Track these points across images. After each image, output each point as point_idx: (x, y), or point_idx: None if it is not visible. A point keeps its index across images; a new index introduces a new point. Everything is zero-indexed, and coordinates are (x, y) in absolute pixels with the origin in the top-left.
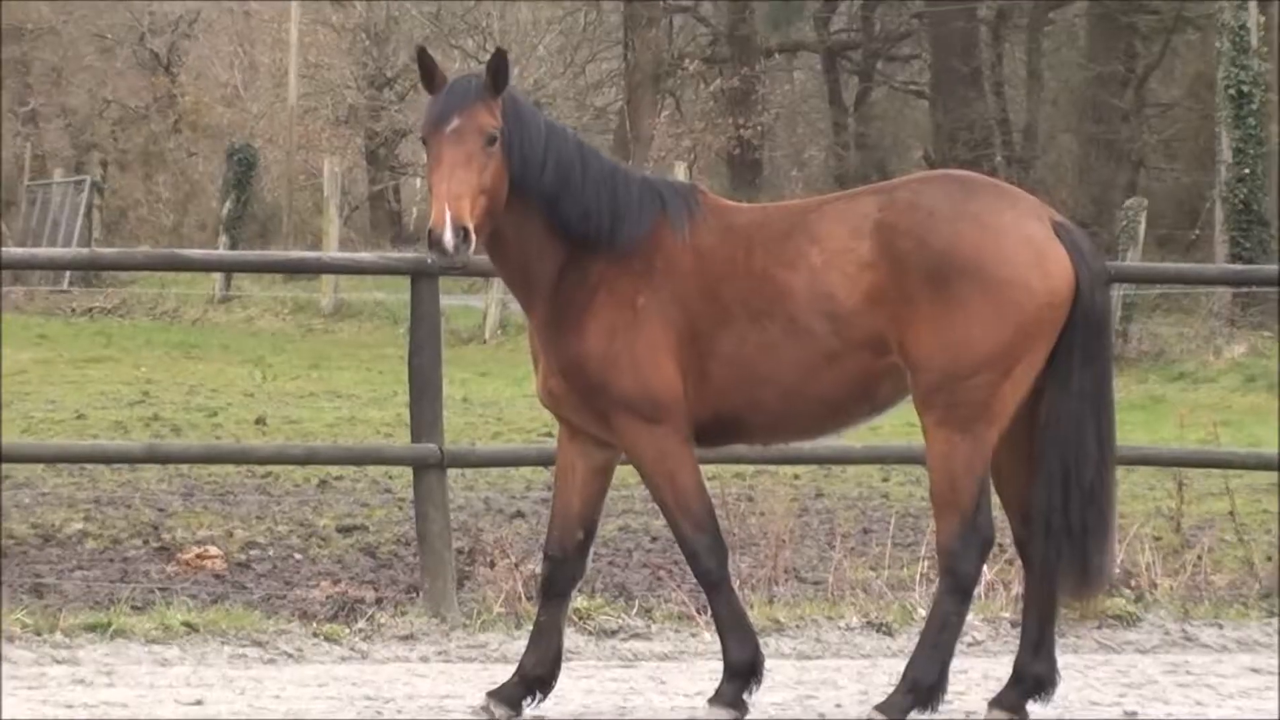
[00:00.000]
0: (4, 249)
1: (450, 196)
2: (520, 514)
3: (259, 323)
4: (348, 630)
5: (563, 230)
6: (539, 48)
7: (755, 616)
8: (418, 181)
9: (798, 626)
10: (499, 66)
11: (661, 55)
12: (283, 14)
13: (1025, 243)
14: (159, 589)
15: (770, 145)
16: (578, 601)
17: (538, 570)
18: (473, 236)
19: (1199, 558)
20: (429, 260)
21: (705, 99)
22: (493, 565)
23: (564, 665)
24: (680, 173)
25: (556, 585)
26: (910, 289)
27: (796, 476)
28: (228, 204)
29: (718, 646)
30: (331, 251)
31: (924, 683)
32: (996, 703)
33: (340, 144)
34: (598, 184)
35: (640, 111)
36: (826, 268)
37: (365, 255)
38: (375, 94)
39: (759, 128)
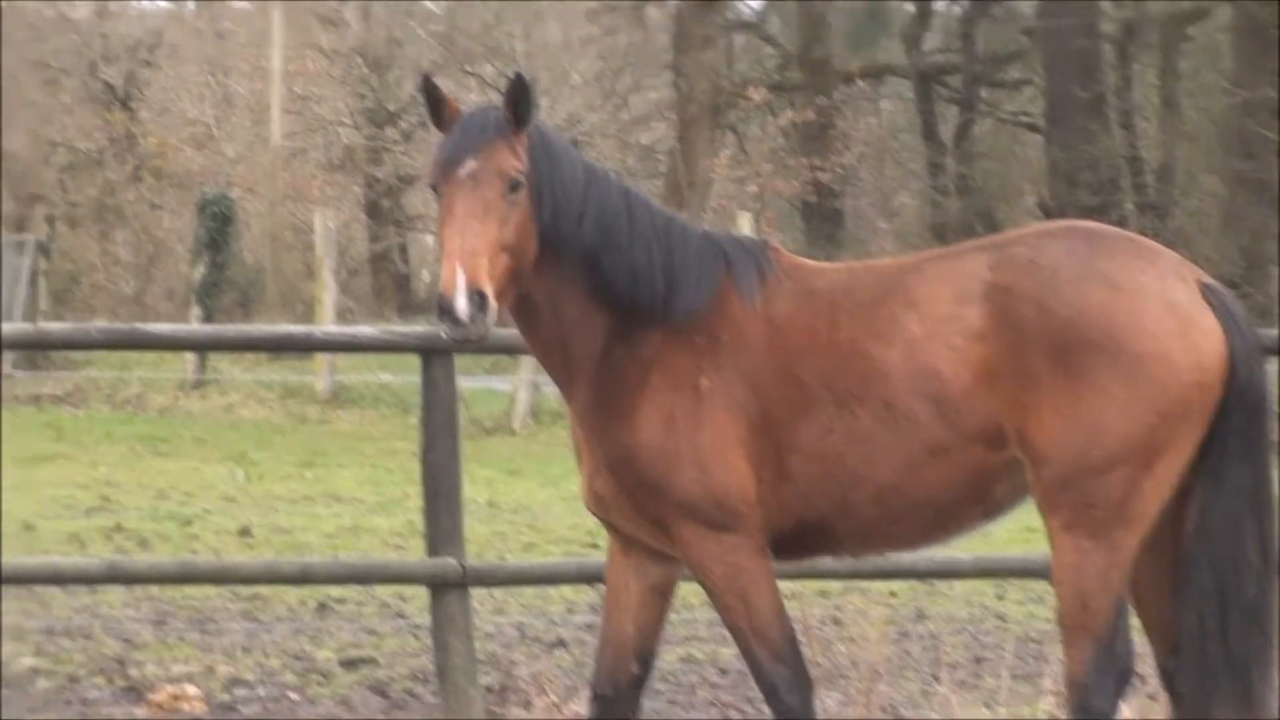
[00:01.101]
0: None
1: (464, 254)
2: (561, 643)
3: (240, 411)
4: None
5: (607, 295)
6: (572, 74)
7: None
8: (429, 238)
9: None
10: (520, 94)
11: (720, 82)
12: (263, 37)
13: (1167, 309)
14: None
15: (853, 191)
16: None
17: (584, 711)
18: (492, 303)
19: None
20: (441, 334)
21: (774, 135)
22: (529, 705)
23: None
24: (745, 225)
25: None
26: (1030, 365)
27: (893, 594)
28: (200, 267)
29: None
30: (326, 325)
31: None
32: None
33: (335, 193)
34: (648, 239)
35: (696, 151)
36: (928, 339)
37: (366, 329)
38: (375, 132)
39: (839, 169)
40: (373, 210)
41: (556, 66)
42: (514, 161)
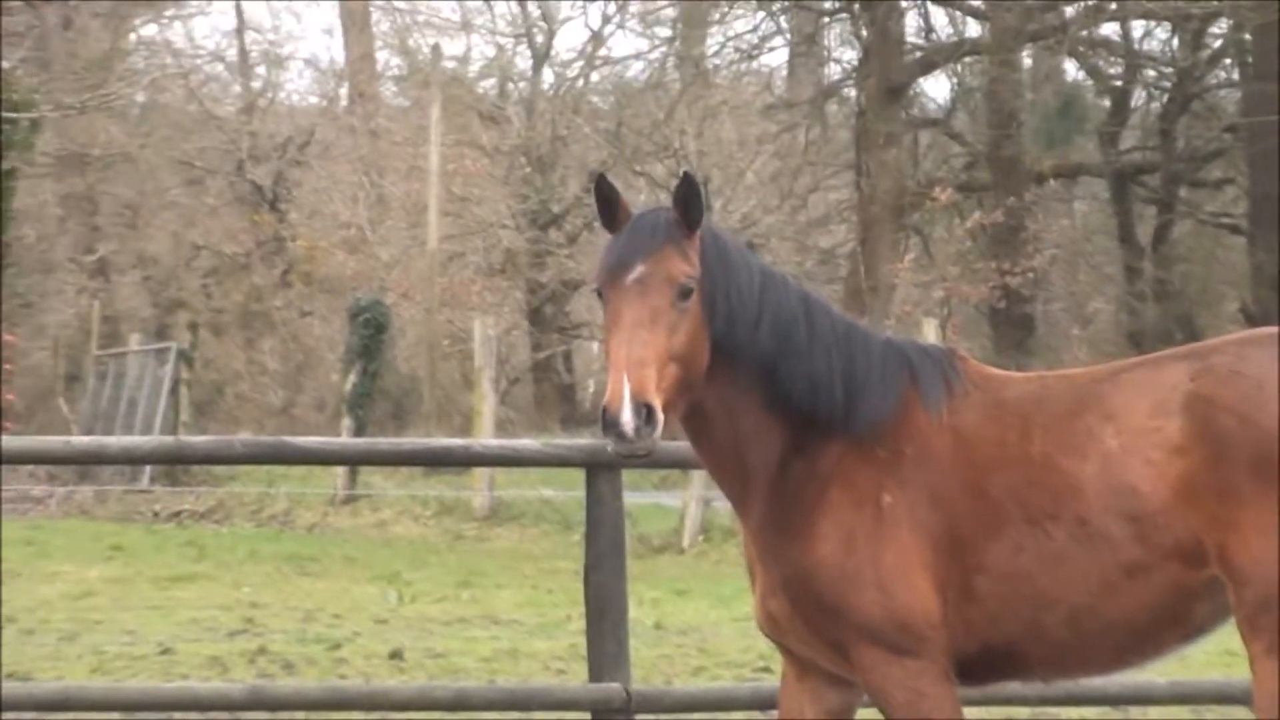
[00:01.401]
0: (70, 437)
1: (631, 364)
2: None
3: (393, 528)
4: None
5: (784, 405)
6: (748, 174)
7: None
8: (594, 346)
9: None
10: (690, 195)
11: (904, 182)
12: (420, 134)
13: None
14: None
15: (1044, 296)
16: None
17: None
18: (659, 415)
19: None
20: (607, 448)
21: (961, 238)
22: None
23: None
24: (930, 332)
25: None
26: (1233, 480)
27: None
28: (352, 376)
29: None
30: (485, 438)
31: None
32: None
33: (495, 299)
34: (828, 346)
35: (878, 254)
36: (1125, 453)
37: (528, 442)
38: (538, 235)
39: (1029, 273)
40: (535, 317)
41: (730, 165)
42: (684, 266)
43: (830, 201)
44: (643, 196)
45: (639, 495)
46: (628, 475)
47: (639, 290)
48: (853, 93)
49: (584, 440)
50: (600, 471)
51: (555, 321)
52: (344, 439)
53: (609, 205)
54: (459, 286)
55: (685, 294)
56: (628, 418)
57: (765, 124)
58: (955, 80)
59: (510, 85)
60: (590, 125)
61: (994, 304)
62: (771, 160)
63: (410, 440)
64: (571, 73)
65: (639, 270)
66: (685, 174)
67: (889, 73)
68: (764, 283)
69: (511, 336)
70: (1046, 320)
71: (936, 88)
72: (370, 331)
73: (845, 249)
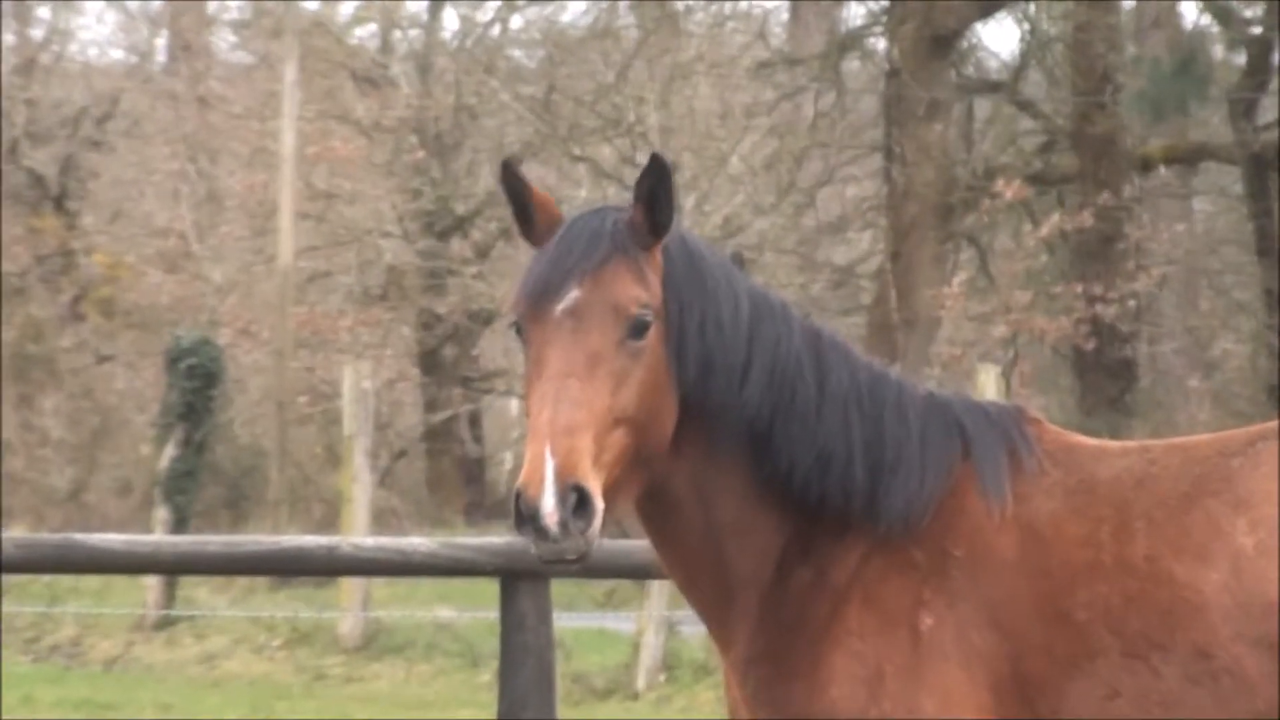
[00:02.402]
0: None
1: (556, 431)
2: None
3: (226, 663)
4: None
5: (782, 490)
6: (732, 159)
7: None
8: (514, 405)
9: None
10: (657, 187)
11: (953, 172)
12: (268, 104)
13: None
14: None
15: (1152, 333)
16: None
17: None
18: (596, 503)
19: None
20: (531, 550)
21: (1033, 250)
22: None
23: None
24: (989, 384)
25: None
26: None
27: None
28: (170, 448)
29: None
30: (358, 535)
31: None
32: None
33: (374, 339)
34: (845, 405)
35: (915, 274)
36: (1264, 556)
37: (419, 541)
38: (436, 246)
39: (1131, 301)
40: (429, 363)
41: (709, 147)
42: (637, 291)
43: (849, 199)
44: (584, 192)
45: (576, 617)
46: (560, 590)
47: (572, 325)
48: (881, 44)
49: (499, 539)
50: (521, 583)
51: (458, 370)
52: (158, 536)
53: (523, 205)
54: (322, 320)
55: (639, 330)
56: (550, 507)
57: (758, 89)
58: (1026, 26)
59: (396, 34)
60: (510, 90)
61: (1079, 344)
62: (766, 140)
63: (251, 539)
64: (483, 16)
65: (572, 296)
66: (654, 157)
67: (932, 15)
68: (755, 314)
69: (396, 391)
70: (1154, 367)
71: (1000, 37)
72: (196, 384)
73: (869, 266)
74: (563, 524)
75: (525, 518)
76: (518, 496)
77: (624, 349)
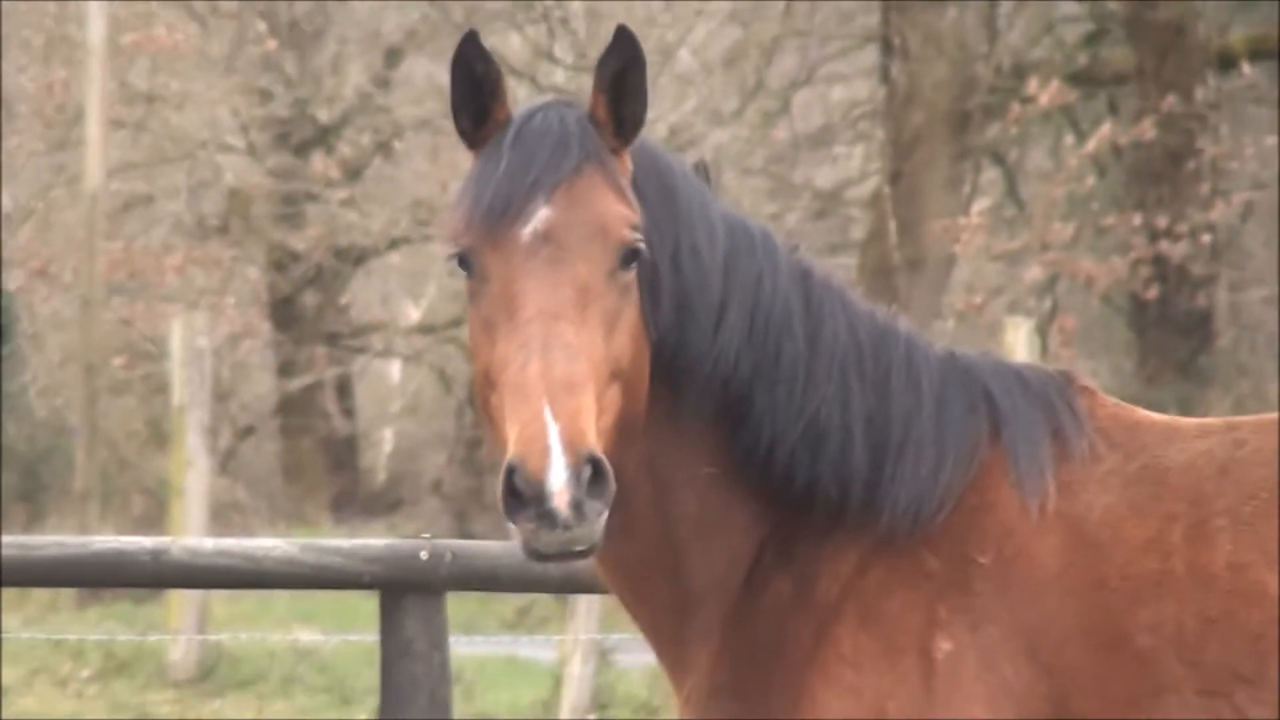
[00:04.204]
0: None
1: (555, 389)
2: None
3: (20, 701)
4: None
5: (760, 474)
6: (680, 53)
7: None
8: (394, 369)
9: None
10: (627, 71)
11: (972, 70)
12: None
13: None
14: None
15: (1233, 278)
16: None
17: None
18: (611, 480)
19: None
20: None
21: (1078, 170)
22: None
23: None
24: (1020, 343)
25: None
26: None
27: None
28: None
29: None
30: (191, 537)
31: None
32: None
33: (211, 283)
34: (843, 368)
35: (923, 201)
36: None
37: (272, 543)
38: (292, 163)
39: (1207, 236)
40: (284, 315)
41: (649, 37)
42: (621, 208)
43: (835, 104)
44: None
45: (479, 642)
46: (458, 607)
47: (550, 252)
48: None
49: (378, 540)
50: (407, 598)
51: (321, 324)
52: None
53: (483, 91)
54: (142, 259)
55: (630, 258)
56: (560, 483)
57: None
58: None
59: None
60: None
61: (1139, 292)
62: (726, 28)
63: (53, 539)
64: None
65: (546, 214)
66: (620, 31)
67: None
68: (732, 244)
69: (241, 351)
70: (1236, 320)
71: None
72: None
73: (862, 191)
74: (576, 505)
75: (527, 499)
76: (511, 471)
77: (614, 283)
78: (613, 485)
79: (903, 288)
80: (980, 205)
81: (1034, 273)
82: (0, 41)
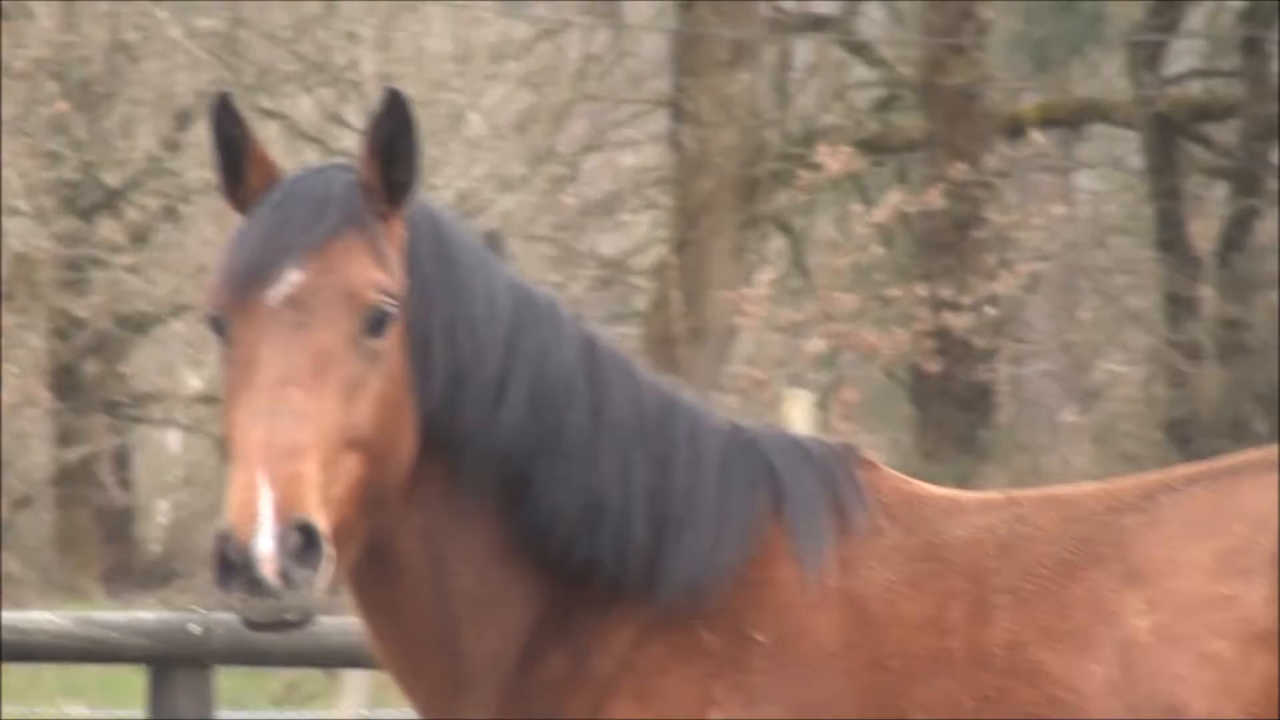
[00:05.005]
0: None
1: (274, 454)
2: None
3: None
4: None
5: (537, 549)
6: (471, 116)
7: None
8: (171, 438)
9: None
10: (398, 132)
11: (760, 135)
12: None
13: None
14: None
15: (1016, 350)
16: None
17: None
18: (327, 550)
19: None
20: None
21: (864, 240)
22: None
23: None
24: (798, 415)
25: None
26: None
27: None
28: None
29: None
30: None
31: None
32: None
33: None
34: (624, 439)
35: (707, 269)
36: (1165, 644)
37: (45, 616)
38: (78, 227)
39: (991, 308)
40: (65, 383)
41: (442, 101)
42: (375, 273)
43: (623, 171)
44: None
45: (247, 716)
46: (228, 682)
47: (293, 317)
48: None
49: (149, 614)
50: (176, 672)
51: (102, 392)
52: None
53: (236, 153)
54: None
55: (379, 324)
56: (267, 550)
57: (507, 24)
58: None
59: None
60: (181, 24)
61: (922, 365)
62: (517, 92)
63: None
64: None
65: (292, 279)
66: (391, 94)
67: None
68: (517, 314)
69: (20, 420)
70: (1018, 395)
71: None
72: None
73: (646, 259)
74: (284, 573)
75: (233, 566)
76: (223, 539)
77: (360, 349)
78: (327, 553)
79: (685, 358)
80: (765, 276)
81: (816, 344)
82: None
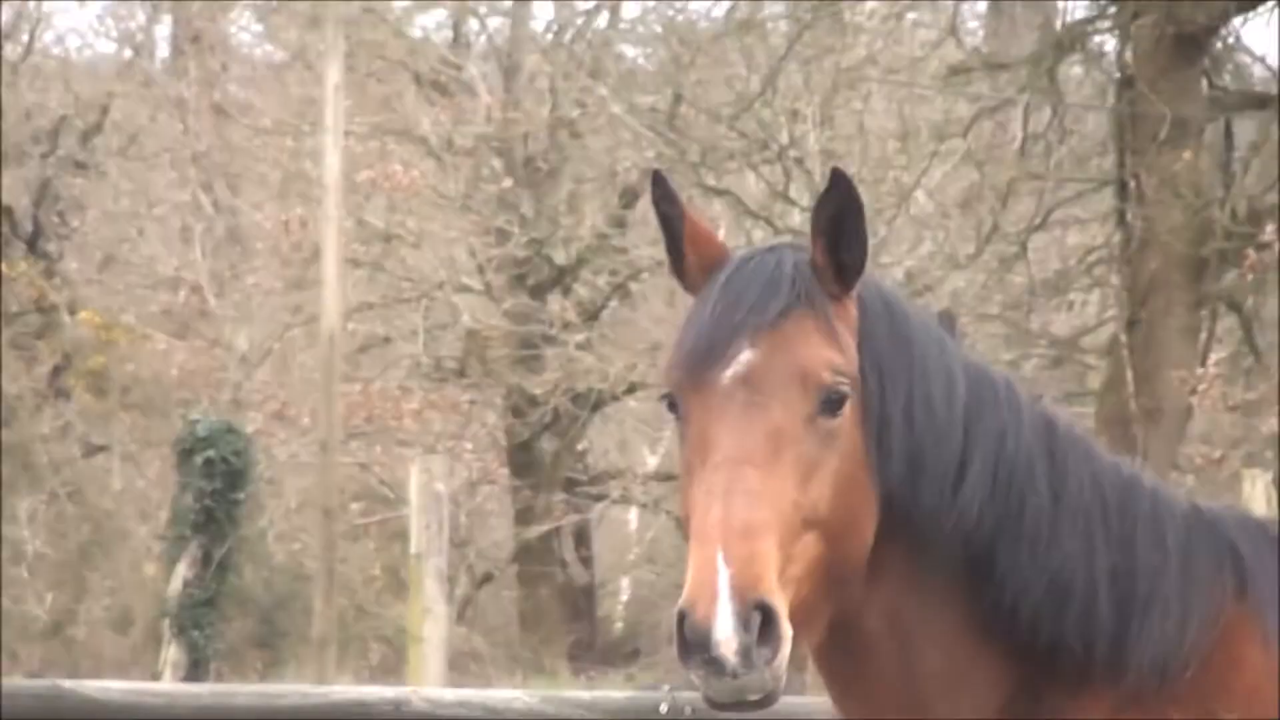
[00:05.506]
0: None
1: (732, 534)
2: None
3: None
4: None
5: (1005, 630)
6: (916, 194)
7: None
8: (632, 516)
9: None
10: (845, 214)
11: (1207, 213)
12: (306, 113)
13: None
14: None
15: None
16: None
17: None
18: (784, 628)
19: None
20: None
21: None
22: None
23: None
24: (1258, 496)
25: None
26: None
27: None
28: (183, 568)
29: None
30: (431, 687)
31: None
32: None
33: (449, 426)
34: (1087, 523)
35: (1160, 349)
36: None
37: (512, 694)
38: (528, 305)
39: None
40: (522, 461)
41: (884, 179)
42: (829, 353)
43: (1070, 249)
44: (721, 235)
45: None
46: None
47: (746, 396)
48: (1111, 44)
49: (618, 692)
50: None
51: (559, 470)
52: (170, 684)
53: (673, 231)
54: (380, 402)
55: (834, 404)
56: (727, 630)
57: (949, 102)
58: None
59: (473, 24)
60: (623, 100)
61: None
62: (961, 170)
63: (293, 688)
64: (585, 1)
65: (745, 359)
66: (836, 174)
67: (1177, 6)
68: (974, 395)
69: (479, 497)
70: None
71: (1267, 34)
72: (217, 484)
73: (1099, 339)
74: (744, 652)
75: (692, 645)
76: (682, 618)
77: (814, 429)
78: (786, 633)
79: (1139, 438)
80: (1217, 355)
81: (1271, 424)
82: (236, 179)
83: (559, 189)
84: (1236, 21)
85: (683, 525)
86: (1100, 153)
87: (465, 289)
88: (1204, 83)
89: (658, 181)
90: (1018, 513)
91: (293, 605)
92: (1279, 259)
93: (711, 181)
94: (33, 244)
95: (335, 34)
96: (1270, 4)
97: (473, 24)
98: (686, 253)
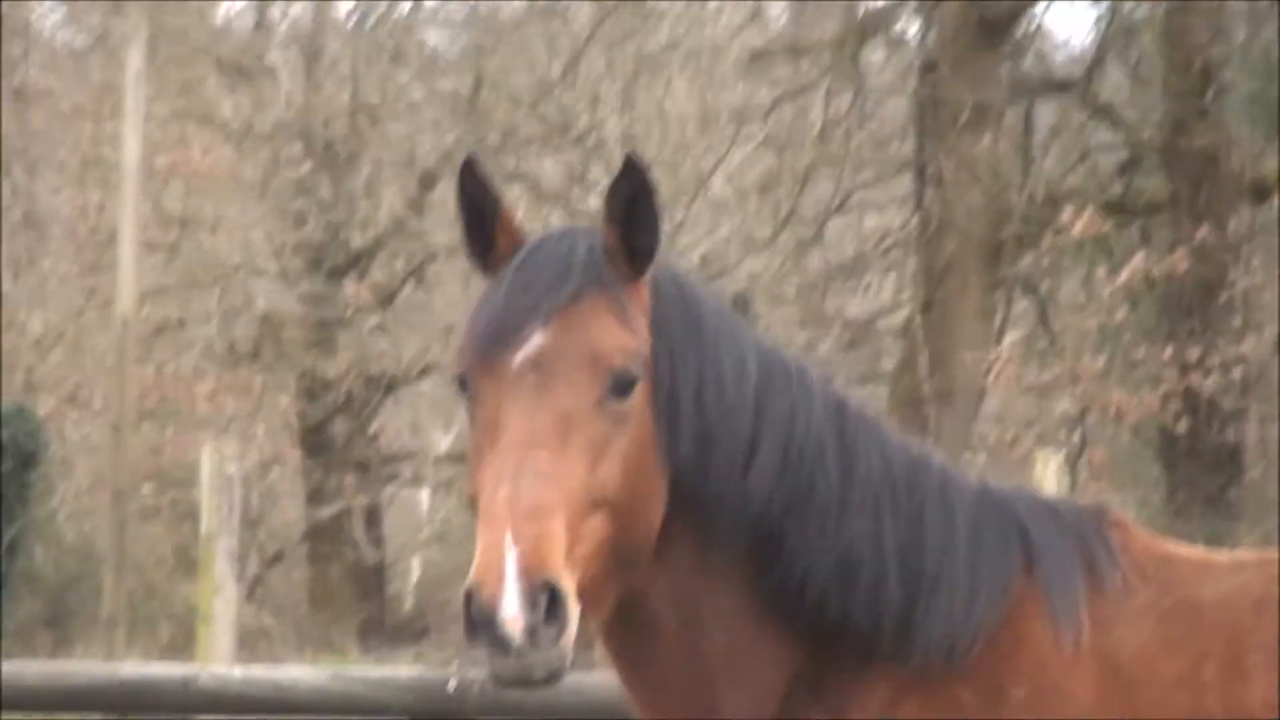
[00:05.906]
0: None
1: (520, 515)
2: None
3: None
4: None
5: (791, 610)
6: (715, 179)
7: None
8: (423, 497)
9: None
10: (638, 198)
11: (1006, 199)
12: (106, 99)
13: None
14: None
15: (1265, 411)
16: None
17: None
18: (571, 607)
19: None
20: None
21: (1110, 303)
22: None
23: None
24: (1050, 476)
25: None
26: None
27: None
28: None
29: None
30: (220, 664)
31: None
32: None
33: (243, 409)
34: (877, 500)
35: (955, 332)
36: None
37: (301, 671)
38: (325, 289)
39: (1238, 369)
40: (314, 442)
41: (685, 163)
42: (620, 335)
43: (868, 232)
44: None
45: None
46: None
47: (537, 379)
48: (912, 29)
49: (407, 669)
50: None
51: (351, 452)
52: None
53: (482, 216)
54: (173, 385)
55: (624, 386)
56: (513, 610)
57: (750, 88)
58: (1104, 6)
59: (274, 11)
60: (425, 86)
61: (1169, 426)
62: (761, 154)
63: (81, 666)
64: None
65: (538, 341)
66: (629, 160)
67: None
68: (765, 376)
69: (271, 478)
70: (1265, 455)
71: (1069, 21)
72: (8, 466)
73: (894, 321)
74: (530, 631)
75: (479, 624)
76: (469, 597)
77: (604, 410)
78: (572, 612)
79: (933, 419)
80: (1012, 337)
81: (1065, 406)
82: (34, 163)
83: (358, 174)
84: (1039, 7)
85: (472, 506)
86: (900, 137)
87: (261, 273)
88: (1006, 67)
89: (471, 167)
90: (807, 492)
91: (83, 585)
92: (1074, 243)
93: (511, 166)
94: None
95: (137, 19)
96: None
97: (275, 11)
98: (498, 238)
